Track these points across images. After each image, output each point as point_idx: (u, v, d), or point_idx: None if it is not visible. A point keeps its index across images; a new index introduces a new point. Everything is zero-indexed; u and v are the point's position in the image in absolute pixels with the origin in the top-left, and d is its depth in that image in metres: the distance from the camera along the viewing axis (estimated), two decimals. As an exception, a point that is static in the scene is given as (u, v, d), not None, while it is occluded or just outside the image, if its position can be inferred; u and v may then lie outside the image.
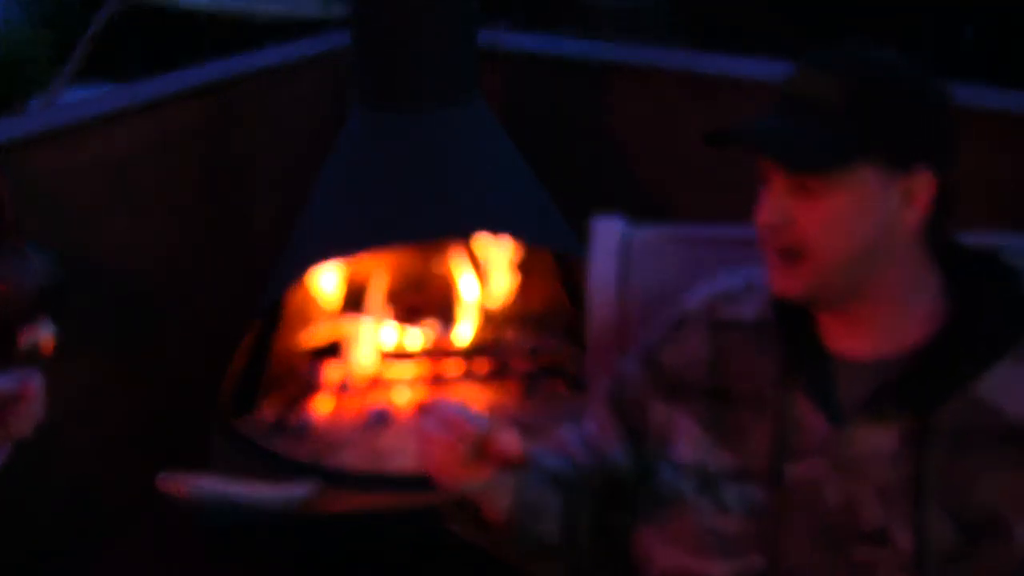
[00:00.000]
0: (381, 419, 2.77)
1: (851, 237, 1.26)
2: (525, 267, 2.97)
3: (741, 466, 1.36)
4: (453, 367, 2.87)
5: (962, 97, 2.97)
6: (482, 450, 1.29)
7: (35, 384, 1.50)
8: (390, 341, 2.90)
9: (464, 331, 2.88)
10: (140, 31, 5.41)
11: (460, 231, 2.75)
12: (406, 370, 2.88)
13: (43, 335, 1.53)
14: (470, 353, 2.87)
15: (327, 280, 2.88)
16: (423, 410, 1.36)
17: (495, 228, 2.74)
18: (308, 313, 2.93)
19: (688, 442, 1.40)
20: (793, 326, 1.36)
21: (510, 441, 1.28)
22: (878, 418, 1.28)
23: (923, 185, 1.26)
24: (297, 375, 2.88)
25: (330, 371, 2.85)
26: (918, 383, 1.27)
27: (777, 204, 1.29)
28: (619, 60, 3.20)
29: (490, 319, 2.91)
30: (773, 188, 1.30)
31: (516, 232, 2.76)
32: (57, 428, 2.81)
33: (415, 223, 2.65)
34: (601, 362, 1.76)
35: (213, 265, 3.08)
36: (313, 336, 2.90)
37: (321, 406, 2.83)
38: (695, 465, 1.39)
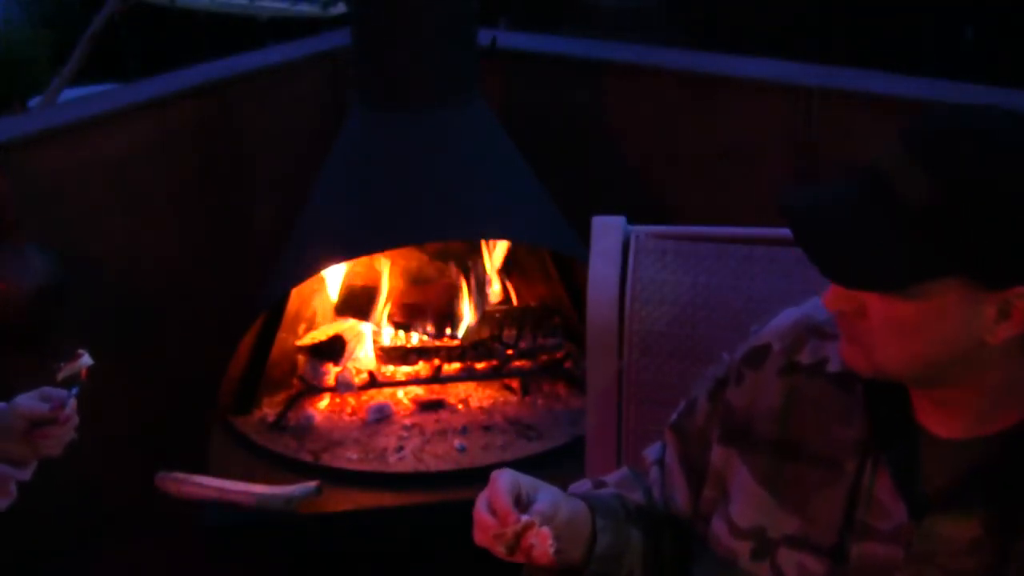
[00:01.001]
0: (381, 418, 2.78)
1: (923, 345, 1.11)
2: (525, 267, 2.97)
3: (804, 534, 1.23)
4: (452, 366, 2.87)
5: (962, 97, 2.99)
6: (518, 542, 1.20)
7: (69, 409, 1.53)
8: (390, 340, 2.90)
9: (464, 331, 2.88)
10: (140, 31, 5.41)
11: (460, 231, 2.75)
12: (406, 369, 2.89)
13: (83, 363, 1.56)
14: (470, 353, 2.87)
15: (327, 280, 2.88)
16: (491, 479, 1.25)
17: (495, 228, 2.74)
18: (308, 313, 2.94)
19: (747, 500, 1.28)
20: (883, 386, 1.20)
21: (543, 545, 1.19)
22: (963, 510, 1.16)
23: (1021, 301, 1.08)
24: (297, 375, 2.88)
25: (330, 370, 2.85)
26: (1008, 471, 1.15)
27: (844, 292, 1.14)
28: (619, 60, 3.20)
29: (490, 319, 2.91)
30: None
31: (516, 232, 2.76)
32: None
33: (415, 224, 2.65)
34: (601, 362, 1.76)
35: (213, 264, 3.08)
36: (313, 336, 2.90)
37: (321, 405, 2.83)
38: (753, 528, 1.27)
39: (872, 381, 1.20)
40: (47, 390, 1.55)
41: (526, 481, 1.24)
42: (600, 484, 1.42)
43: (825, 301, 1.15)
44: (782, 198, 1.14)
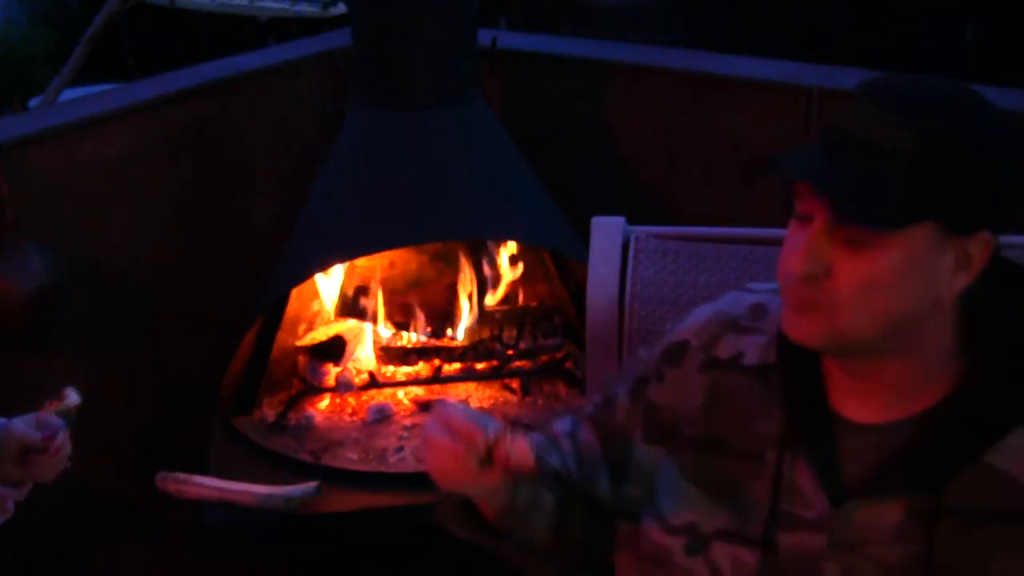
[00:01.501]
0: (381, 418, 2.78)
1: (890, 300, 1.12)
2: (525, 267, 2.97)
3: (735, 527, 1.24)
4: (453, 367, 2.87)
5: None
6: (490, 456, 1.20)
7: (60, 440, 1.54)
8: (390, 341, 2.90)
9: (464, 331, 2.88)
10: (140, 31, 5.41)
11: (460, 231, 2.75)
12: (406, 370, 2.89)
13: (72, 401, 1.57)
14: (470, 353, 2.87)
15: (327, 280, 2.88)
16: (428, 411, 1.32)
17: (495, 228, 2.74)
18: (308, 313, 2.94)
19: (678, 496, 1.29)
20: (798, 377, 1.23)
21: (522, 450, 1.19)
22: (884, 495, 1.17)
23: (982, 249, 1.13)
24: (297, 375, 2.88)
25: (330, 371, 2.85)
26: (928, 455, 1.15)
27: (816, 252, 1.13)
28: (619, 60, 3.20)
29: (490, 319, 2.91)
30: (812, 232, 1.14)
31: (516, 232, 2.76)
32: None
33: (415, 224, 2.65)
34: (601, 362, 1.76)
35: (213, 265, 3.08)
36: (313, 336, 2.90)
37: (321, 406, 2.83)
38: (686, 524, 1.27)
39: (789, 364, 1.23)
40: (42, 417, 1.56)
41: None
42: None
43: (791, 266, 1.14)
44: (774, 161, 1.16)
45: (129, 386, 2.90)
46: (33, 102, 4.54)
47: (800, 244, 1.14)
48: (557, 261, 2.99)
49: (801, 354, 1.21)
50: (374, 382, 2.83)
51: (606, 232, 1.80)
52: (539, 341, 2.91)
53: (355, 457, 2.66)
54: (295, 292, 2.80)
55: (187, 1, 5.27)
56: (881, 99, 1.14)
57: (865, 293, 1.12)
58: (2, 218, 2.48)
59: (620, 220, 1.81)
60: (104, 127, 2.81)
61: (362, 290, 2.91)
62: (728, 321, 1.31)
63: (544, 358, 2.91)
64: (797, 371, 1.23)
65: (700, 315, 1.34)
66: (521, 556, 1.34)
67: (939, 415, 1.16)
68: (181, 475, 2.55)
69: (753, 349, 1.28)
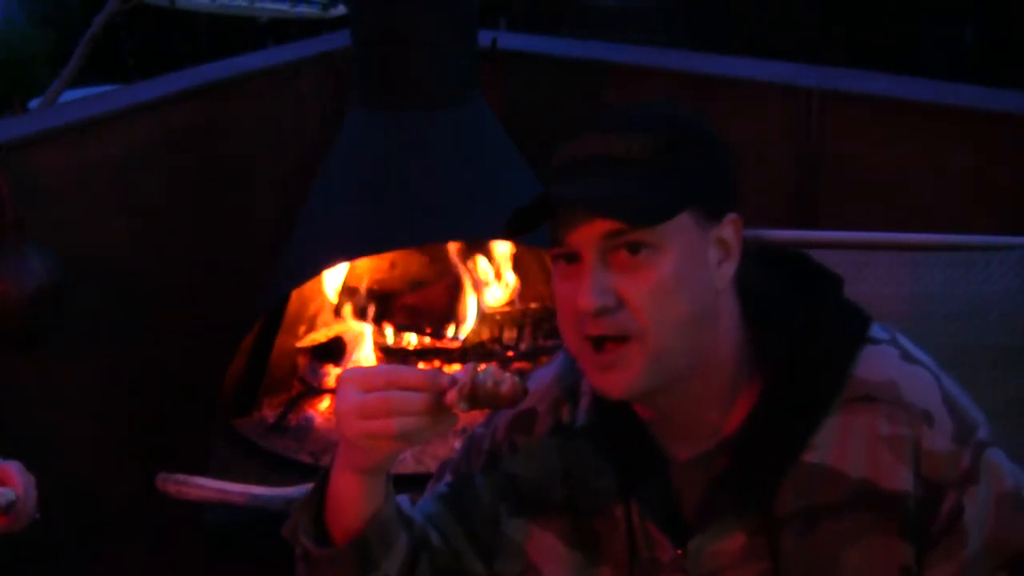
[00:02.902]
0: (381, 419, 2.77)
1: (682, 303, 1.15)
2: (525, 267, 2.97)
3: None
4: (452, 368, 2.87)
5: (962, 98, 2.99)
6: (473, 397, 1.15)
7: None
8: (390, 341, 2.90)
9: (464, 331, 2.88)
10: (140, 32, 5.42)
11: (461, 232, 2.75)
12: (406, 370, 2.88)
13: (5, 499, 1.56)
14: (470, 354, 2.87)
15: (327, 280, 2.88)
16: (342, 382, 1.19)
17: (495, 229, 2.73)
18: (308, 313, 2.93)
19: (559, 564, 1.28)
20: (620, 431, 1.24)
21: (507, 380, 1.15)
22: (722, 523, 1.19)
23: (734, 232, 1.18)
24: (297, 376, 2.88)
25: (330, 372, 2.85)
26: (745, 474, 1.18)
27: (600, 284, 1.14)
28: (619, 61, 3.20)
29: (489, 319, 2.91)
30: (588, 267, 1.15)
31: (516, 232, 2.76)
32: (57, 426, 2.83)
33: (416, 225, 2.65)
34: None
35: (213, 265, 3.08)
36: (313, 337, 2.90)
37: (321, 407, 2.83)
38: None
39: (611, 420, 1.23)
40: None
41: None
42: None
43: (581, 303, 1.14)
44: (552, 198, 1.17)
45: (129, 386, 2.90)
46: (33, 103, 4.54)
47: (581, 283, 1.14)
48: (557, 262, 2.98)
49: (617, 408, 1.22)
50: (374, 383, 2.83)
51: (606, 233, 1.79)
52: (539, 342, 2.91)
53: (355, 458, 2.65)
54: (295, 293, 2.80)
55: (187, 2, 5.28)
56: (602, 125, 1.18)
57: (660, 303, 1.14)
58: (2, 218, 2.48)
59: (620, 221, 1.81)
60: (104, 128, 2.81)
61: (363, 290, 2.91)
62: (567, 385, 1.31)
63: (544, 359, 2.91)
64: (618, 425, 1.24)
65: (541, 381, 1.33)
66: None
67: (746, 432, 1.19)
68: (181, 476, 2.55)
69: (583, 410, 1.28)
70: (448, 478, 1.36)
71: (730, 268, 1.18)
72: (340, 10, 5.16)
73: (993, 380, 1.65)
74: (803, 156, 2.92)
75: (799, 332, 1.19)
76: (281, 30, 5.46)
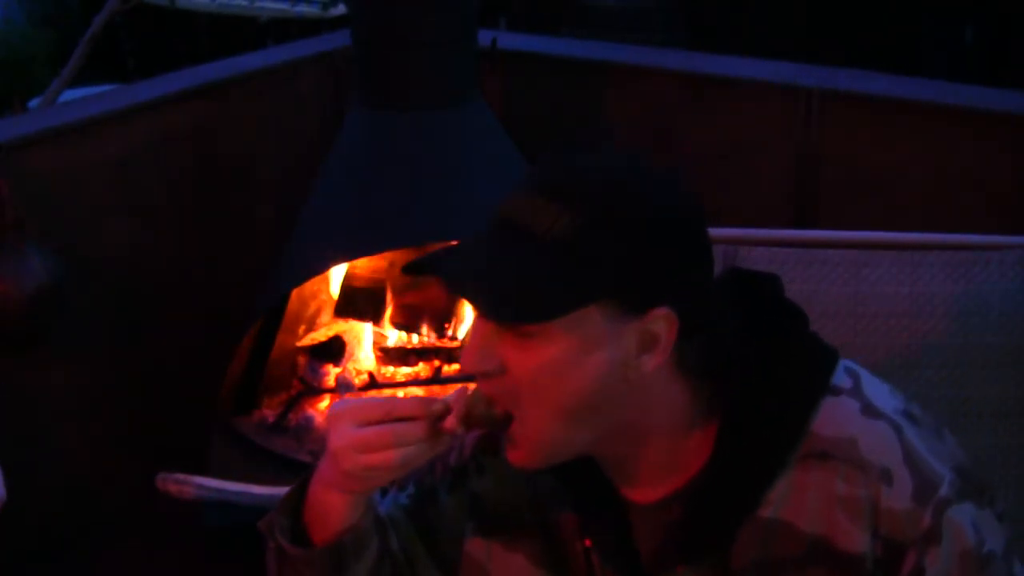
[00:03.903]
0: (381, 419, 2.77)
1: (566, 392, 1.08)
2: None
3: None
4: (452, 367, 2.87)
5: (962, 98, 2.99)
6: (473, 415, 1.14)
7: None
8: (390, 341, 2.90)
9: (463, 330, 2.88)
10: (140, 31, 5.42)
11: (460, 232, 2.74)
12: (406, 370, 2.89)
13: None
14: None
15: (327, 280, 2.88)
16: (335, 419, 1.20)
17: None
18: (308, 313, 2.94)
19: None
20: (579, 468, 1.19)
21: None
22: (676, 570, 1.15)
23: (664, 327, 1.08)
24: (297, 375, 2.88)
25: (330, 371, 2.85)
26: (701, 525, 1.14)
27: (486, 348, 1.10)
28: (619, 61, 3.20)
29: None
30: (480, 327, 1.11)
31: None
32: (57, 426, 2.82)
33: (416, 225, 2.65)
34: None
35: (213, 265, 3.08)
36: (313, 336, 2.90)
37: (321, 406, 2.83)
38: None
39: (566, 468, 1.18)
40: None
41: None
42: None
43: (463, 364, 1.12)
44: (422, 263, 1.12)
45: (129, 386, 2.90)
46: (33, 103, 4.54)
47: (471, 341, 1.11)
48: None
49: None
50: (374, 383, 2.83)
51: (606, 233, 1.79)
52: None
53: (355, 457, 2.65)
54: (295, 292, 2.80)
55: (187, 2, 5.27)
56: (540, 182, 1.10)
57: (540, 389, 1.09)
58: (2, 218, 2.48)
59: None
60: (104, 128, 2.81)
61: (362, 289, 2.91)
62: None
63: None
64: (575, 463, 1.18)
65: None
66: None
67: (702, 484, 1.15)
68: (181, 476, 2.55)
69: None
70: (411, 489, 1.32)
71: (654, 361, 1.09)
72: (340, 10, 5.16)
73: (993, 380, 1.65)
74: (803, 156, 2.92)
75: (758, 381, 1.13)
76: (281, 30, 5.46)
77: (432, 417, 1.14)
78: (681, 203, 1.12)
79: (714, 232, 1.80)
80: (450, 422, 1.14)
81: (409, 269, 1.13)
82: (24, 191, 2.55)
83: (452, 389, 2.92)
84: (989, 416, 1.64)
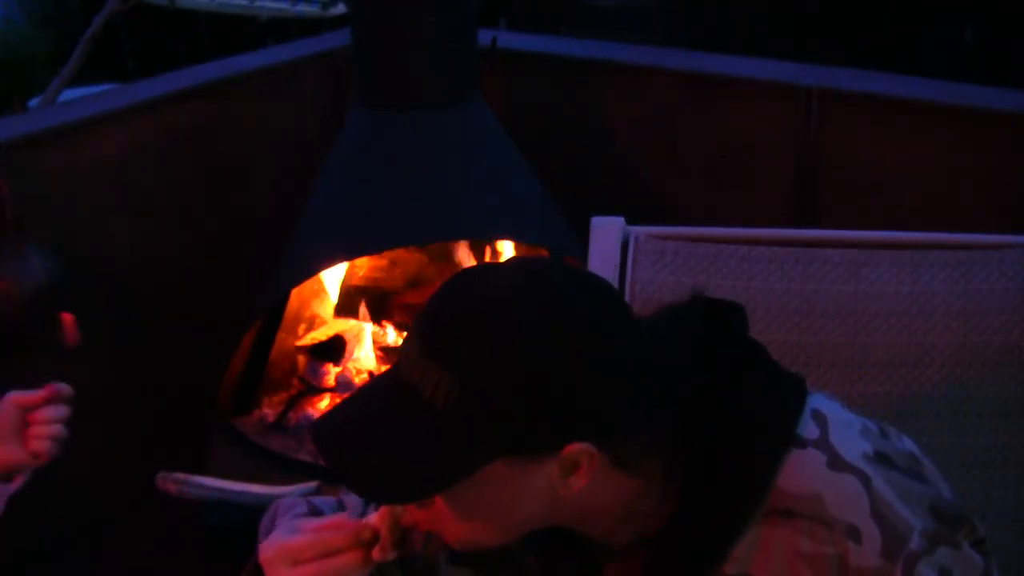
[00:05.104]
0: (381, 419, 2.77)
1: (496, 521, 1.10)
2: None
3: None
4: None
5: (962, 97, 2.99)
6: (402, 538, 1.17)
7: (64, 389, 1.53)
8: (389, 340, 2.90)
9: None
10: (140, 31, 5.42)
11: (460, 231, 2.75)
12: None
13: None
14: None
15: (327, 280, 2.88)
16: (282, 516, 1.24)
17: (495, 228, 2.74)
18: (308, 312, 2.94)
19: None
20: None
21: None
22: None
23: (583, 455, 1.05)
24: (297, 375, 2.88)
25: (330, 371, 2.85)
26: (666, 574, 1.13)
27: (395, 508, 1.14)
28: (619, 60, 3.20)
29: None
30: None
31: (516, 232, 2.76)
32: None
33: (416, 224, 2.65)
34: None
35: (213, 265, 3.08)
36: (313, 336, 2.90)
37: (321, 406, 2.83)
38: None
39: None
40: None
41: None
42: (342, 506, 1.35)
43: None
44: (313, 428, 1.11)
45: (129, 386, 2.90)
46: (33, 102, 4.54)
47: None
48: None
49: None
50: (374, 382, 2.83)
51: (605, 232, 1.80)
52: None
53: (355, 457, 2.65)
54: (295, 292, 2.80)
55: (187, 1, 5.28)
56: (430, 336, 1.06)
57: (462, 521, 1.09)
58: (2, 218, 2.48)
59: (619, 220, 1.81)
60: (104, 127, 2.81)
61: (362, 289, 2.91)
62: None
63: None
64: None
65: None
66: None
67: (666, 538, 1.13)
68: (181, 475, 2.55)
69: None
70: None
71: (579, 482, 1.07)
72: (340, 9, 5.16)
73: (993, 379, 1.65)
74: (803, 155, 2.92)
75: (722, 436, 1.11)
76: (281, 29, 5.46)
77: (362, 541, 1.17)
78: (585, 327, 1.05)
79: (713, 232, 1.81)
80: (376, 553, 1.16)
81: (313, 439, 1.11)
82: (24, 191, 2.55)
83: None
84: (989, 415, 1.64)
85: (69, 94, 3.76)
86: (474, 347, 1.04)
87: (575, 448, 1.05)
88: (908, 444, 1.17)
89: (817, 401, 1.16)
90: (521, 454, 1.05)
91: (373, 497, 1.12)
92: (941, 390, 1.65)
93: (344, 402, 1.14)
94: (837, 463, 1.11)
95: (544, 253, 3.00)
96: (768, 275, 1.72)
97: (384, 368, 2.86)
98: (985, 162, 2.76)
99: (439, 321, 1.07)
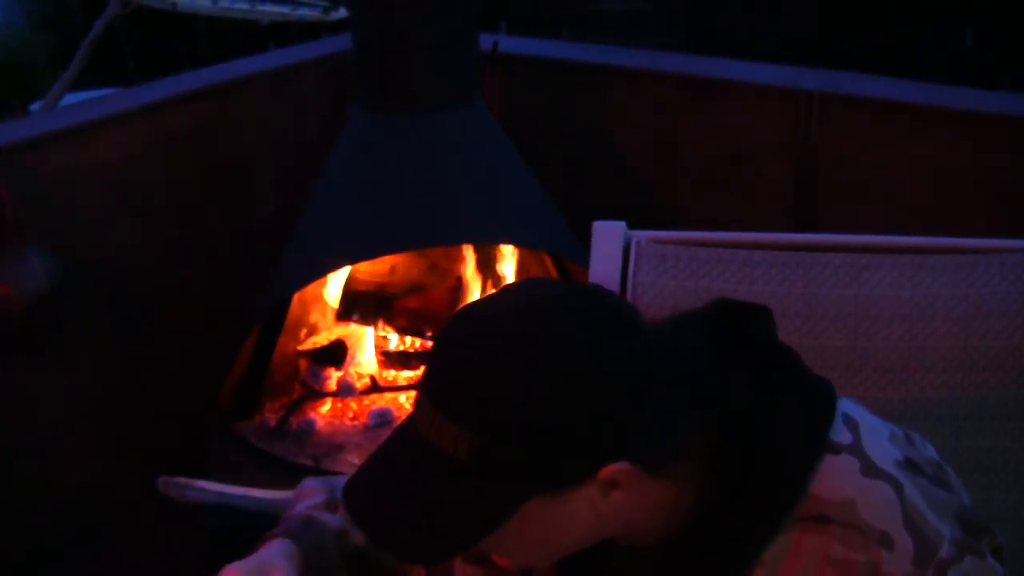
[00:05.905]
0: (382, 423, 2.77)
1: (541, 549, 1.10)
2: (525, 270, 2.97)
3: None
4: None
5: (963, 100, 2.99)
6: None
7: None
8: (391, 344, 2.90)
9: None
10: (141, 35, 5.42)
11: (461, 235, 2.75)
12: (407, 374, 2.88)
13: None
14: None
15: (328, 283, 2.88)
16: None
17: (496, 231, 2.74)
18: (309, 317, 2.94)
19: None
20: None
21: None
22: None
23: (619, 474, 1.05)
24: (298, 379, 2.88)
25: (332, 375, 2.85)
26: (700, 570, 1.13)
27: None
28: (619, 63, 3.20)
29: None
30: None
31: (517, 235, 2.76)
32: (58, 429, 2.83)
33: (417, 229, 2.65)
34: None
35: (214, 269, 3.08)
36: (315, 340, 2.90)
37: (322, 410, 2.83)
38: None
39: None
40: None
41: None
42: (332, 505, 1.34)
43: None
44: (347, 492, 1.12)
45: (129, 389, 2.90)
46: (34, 106, 4.54)
47: None
48: (559, 265, 2.99)
49: None
50: (376, 386, 2.83)
51: (607, 236, 1.79)
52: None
53: (356, 461, 2.65)
54: (296, 296, 2.80)
55: (188, 4, 5.27)
56: (439, 389, 1.06)
57: (514, 548, 1.10)
58: (2, 221, 2.48)
59: (621, 224, 1.81)
60: (105, 131, 2.82)
61: (363, 293, 2.91)
62: None
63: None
64: None
65: None
66: None
67: (694, 540, 1.12)
68: (182, 479, 2.54)
69: None
70: None
71: (619, 497, 1.07)
72: (341, 13, 5.16)
73: (994, 383, 1.65)
74: (803, 159, 2.92)
75: (757, 438, 1.10)
76: (282, 33, 5.46)
77: None
78: (586, 353, 1.03)
79: (715, 236, 1.81)
80: None
81: (346, 509, 1.11)
82: (25, 194, 2.55)
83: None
84: (990, 419, 1.64)
85: (70, 97, 3.76)
86: (481, 398, 1.03)
87: (611, 470, 1.04)
88: (932, 451, 1.17)
89: (847, 406, 1.15)
90: (555, 489, 1.05)
91: (417, 561, 1.12)
92: (942, 394, 1.65)
93: (368, 466, 1.13)
94: (870, 469, 1.11)
95: (545, 257, 3.00)
96: (769, 279, 1.72)
97: (386, 372, 2.88)
98: (986, 165, 2.76)
99: (445, 373, 1.07)
